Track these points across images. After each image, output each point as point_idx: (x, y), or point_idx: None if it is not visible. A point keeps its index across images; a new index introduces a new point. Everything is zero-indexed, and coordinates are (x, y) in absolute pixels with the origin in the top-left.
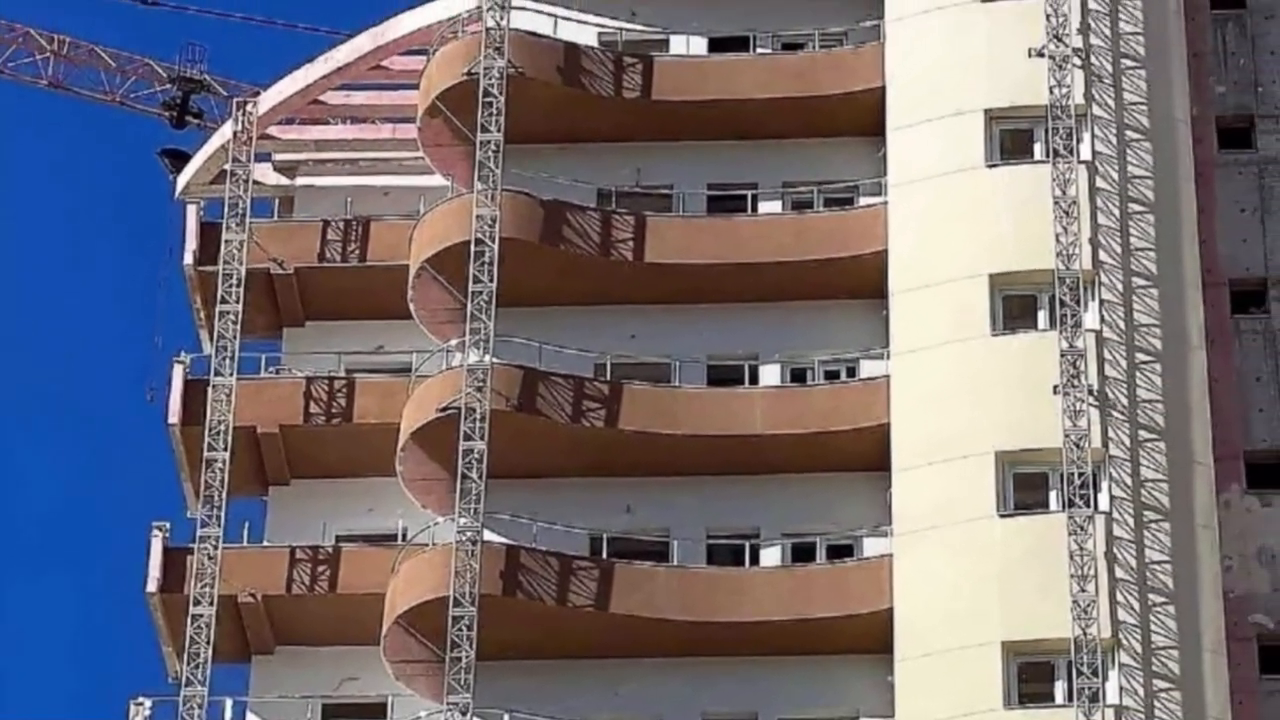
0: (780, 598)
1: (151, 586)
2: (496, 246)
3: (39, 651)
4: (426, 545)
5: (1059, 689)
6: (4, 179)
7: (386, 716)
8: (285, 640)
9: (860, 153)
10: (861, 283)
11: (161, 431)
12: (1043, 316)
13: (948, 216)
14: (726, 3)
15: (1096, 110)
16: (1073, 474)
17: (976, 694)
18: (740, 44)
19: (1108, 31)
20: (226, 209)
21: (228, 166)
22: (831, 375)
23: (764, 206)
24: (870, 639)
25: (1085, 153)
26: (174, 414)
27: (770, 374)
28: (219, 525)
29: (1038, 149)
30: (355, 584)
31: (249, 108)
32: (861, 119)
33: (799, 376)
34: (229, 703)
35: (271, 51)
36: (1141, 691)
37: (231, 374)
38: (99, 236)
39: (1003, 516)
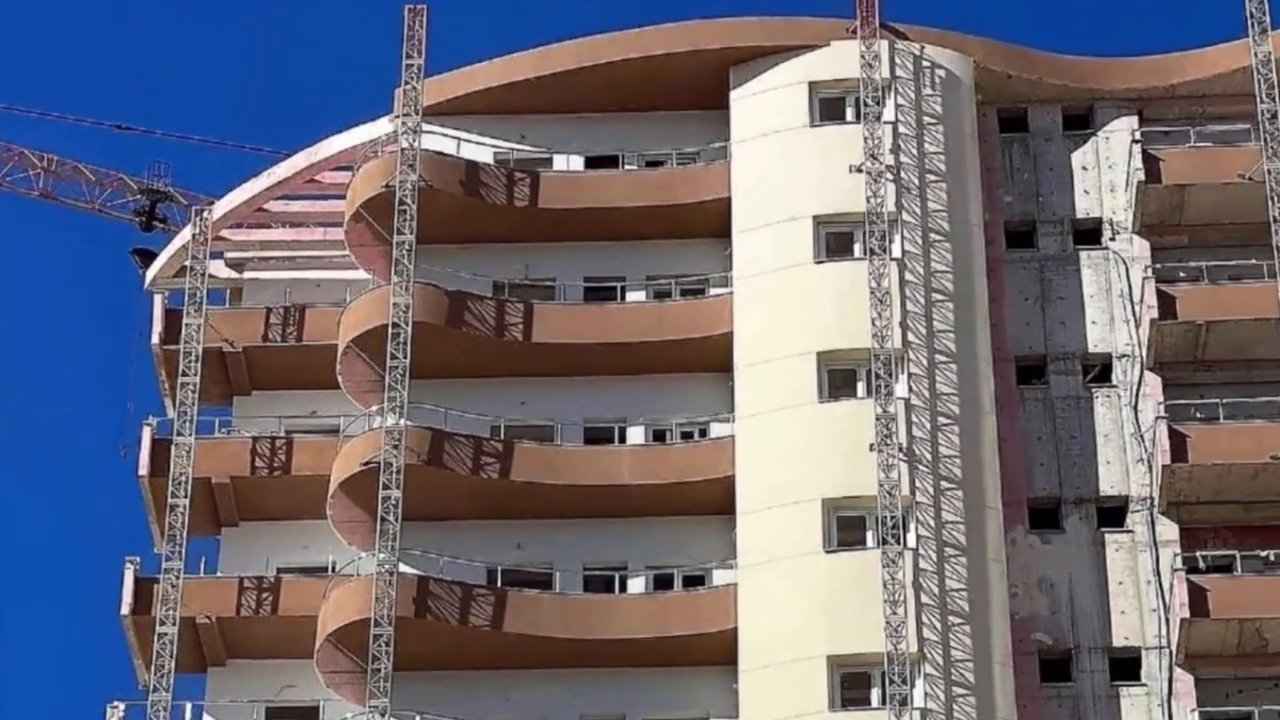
0: (644, 619)
1: (124, 609)
2: (409, 329)
3: (30, 663)
4: (352, 576)
5: (875, 695)
6: (3, 273)
7: (318, 718)
8: (235, 654)
9: (710, 251)
10: (712, 359)
11: (133, 481)
12: (861, 387)
13: (783, 304)
14: (599, 127)
15: (906, 216)
16: (886, 517)
17: (806, 699)
18: (611, 161)
19: (915, 151)
20: (186, 298)
21: (187, 263)
22: (687, 435)
23: (631, 296)
24: (719, 653)
25: (896, 251)
26: (143, 467)
27: (636, 434)
28: (180, 559)
29: (857, 248)
30: (293, 608)
31: (205, 214)
32: (711, 223)
33: (660, 436)
34: (189, 706)
35: (224, 167)
36: (943, 697)
37: (191, 434)
38: (81, 321)
39: (828, 552)
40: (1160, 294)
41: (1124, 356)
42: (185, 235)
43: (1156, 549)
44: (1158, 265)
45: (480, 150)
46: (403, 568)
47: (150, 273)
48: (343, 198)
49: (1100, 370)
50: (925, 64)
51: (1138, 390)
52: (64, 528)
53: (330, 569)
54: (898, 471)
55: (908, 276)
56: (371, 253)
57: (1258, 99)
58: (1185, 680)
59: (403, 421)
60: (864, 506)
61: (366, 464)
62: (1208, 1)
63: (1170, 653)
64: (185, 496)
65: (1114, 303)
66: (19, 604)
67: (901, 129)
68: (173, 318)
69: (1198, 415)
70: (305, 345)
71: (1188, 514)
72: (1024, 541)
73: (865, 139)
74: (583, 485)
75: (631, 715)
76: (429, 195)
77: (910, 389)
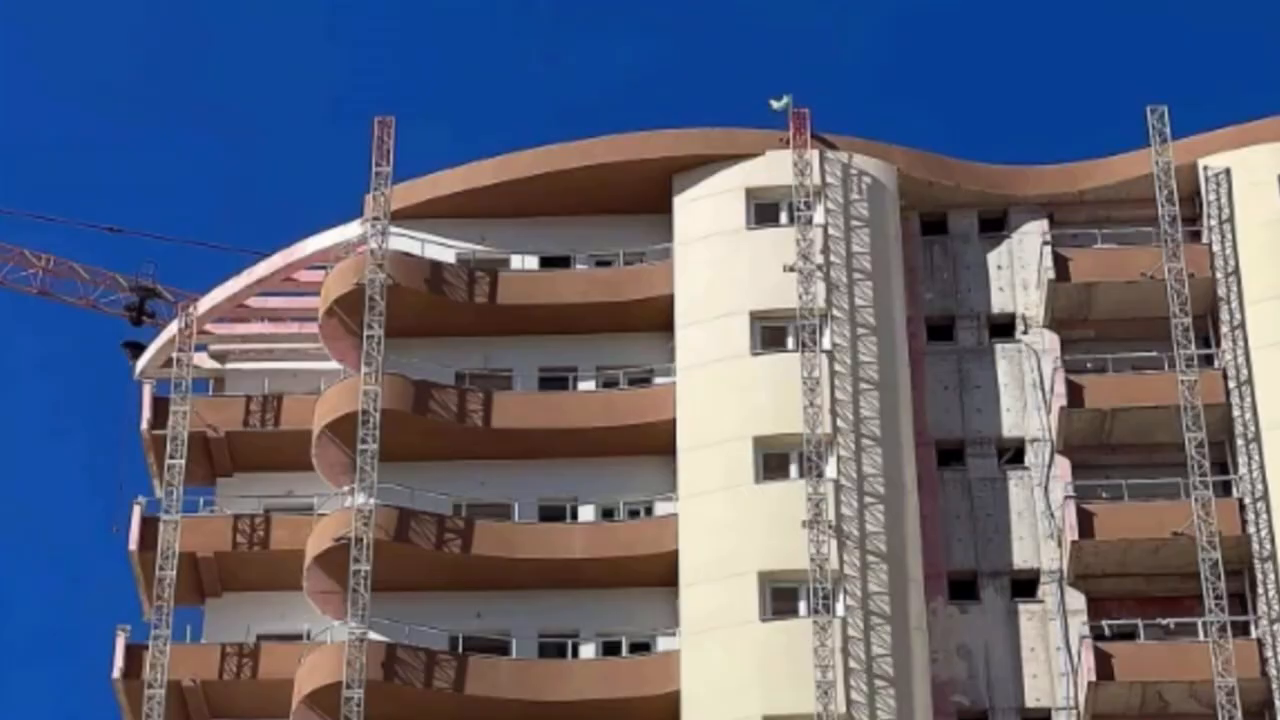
0: (595, 682)
1: (116, 674)
2: (378, 415)
3: None
4: (325, 642)
5: None
6: (2, 365)
7: None
8: (218, 715)
9: (655, 344)
10: (656, 442)
11: (124, 556)
12: (794, 468)
13: (722, 392)
14: (553, 229)
15: (835, 311)
16: (817, 588)
17: None
18: (564, 261)
19: (843, 252)
20: (173, 387)
21: (174, 355)
22: (634, 513)
23: (582, 384)
24: (663, 715)
25: (826, 344)
26: (133, 542)
27: (587, 512)
28: (168, 627)
29: (790, 341)
30: (271, 672)
31: (190, 310)
32: (656, 318)
33: (608, 514)
34: None
35: (208, 266)
36: None
37: (177, 512)
38: (75, 408)
39: (764, 621)
40: (1069, 383)
41: (1036, 441)
42: (172, 329)
43: (1065, 618)
44: (1067, 357)
45: (444, 251)
46: (372, 635)
47: (140, 364)
48: (317, 294)
49: (1014, 453)
50: (853, 172)
51: (1048, 472)
52: (59, 600)
53: (305, 636)
54: (828, 546)
55: (837, 367)
56: (343, 345)
57: (1159, 204)
58: None
59: (372, 500)
60: (797, 579)
61: (338, 540)
62: (1113, 113)
63: (1079, 713)
64: (172, 569)
65: (1027, 391)
66: (19, 671)
67: (831, 231)
68: (160, 405)
69: (1104, 495)
70: (282, 430)
71: (1094, 585)
72: (944, 611)
73: (798, 241)
74: (538, 559)
75: None
76: (396, 292)
77: (839, 470)
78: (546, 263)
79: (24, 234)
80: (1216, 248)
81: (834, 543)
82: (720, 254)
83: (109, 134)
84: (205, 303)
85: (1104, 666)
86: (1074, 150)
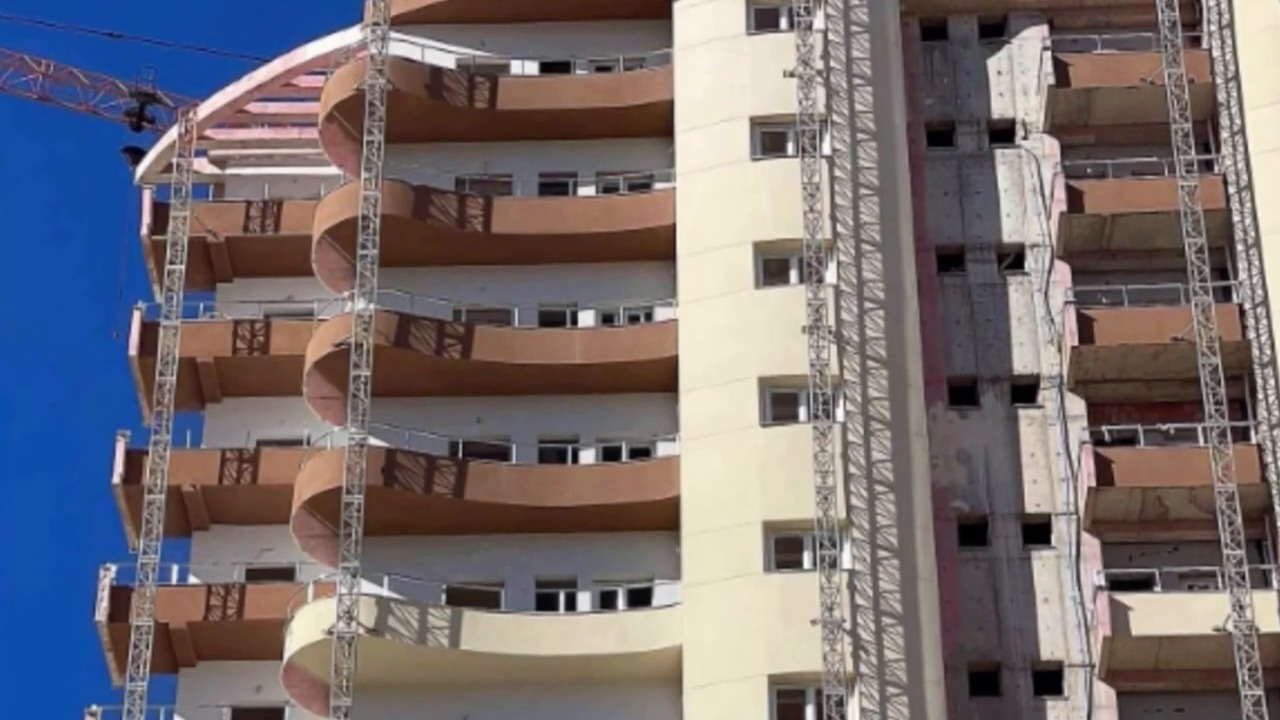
0: (594, 488)
1: (116, 479)
2: (378, 221)
3: (27, 532)
4: (325, 448)
5: (806, 558)
6: (2, 170)
7: (294, 578)
8: (218, 520)
9: (655, 149)
10: (656, 248)
11: (124, 362)
12: (794, 274)
13: (721, 198)
14: (553, 35)
15: (835, 117)
16: (817, 394)
17: (744, 561)
18: (564, 67)
19: (843, 57)
20: (173, 193)
21: (174, 160)
22: (633, 319)
23: (582, 190)
24: (663, 519)
25: (826, 149)
26: (133, 348)
27: (587, 318)
28: (168, 432)
29: (790, 147)
30: (271, 478)
31: (190, 115)
32: (656, 123)
33: (608, 319)
34: (175, 568)
35: (208, 72)
36: (869, 560)
37: (177, 318)
38: (76, 213)
39: (764, 426)
40: (1069, 189)
41: (1036, 246)
42: (172, 135)
43: (1065, 423)
44: (1067, 162)
45: (444, 56)
46: (372, 440)
47: (140, 169)
48: (317, 100)
49: (1014, 259)
50: None
51: (1048, 277)
52: (59, 406)
53: (305, 442)
54: (828, 351)
55: (837, 172)
56: (343, 151)
57: (1158, 9)
58: (1092, 544)
59: (372, 306)
60: (796, 384)
61: (338, 345)
62: None
63: (1078, 519)
64: (172, 375)
65: (1026, 196)
66: (19, 477)
67: (831, 36)
68: (160, 210)
69: (1103, 300)
70: (282, 236)
71: (1094, 391)
72: (944, 416)
73: (798, 46)
74: (537, 364)
75: (582, 576)
76: (396, 98)
77: (839, 276)
78: (546, 68)
79: (24, 39)
80: (1216, 53)
81: (834, 348)
82: (720, 59)
83: None
84: (205, 108)
85: (1104, 472)
86: None
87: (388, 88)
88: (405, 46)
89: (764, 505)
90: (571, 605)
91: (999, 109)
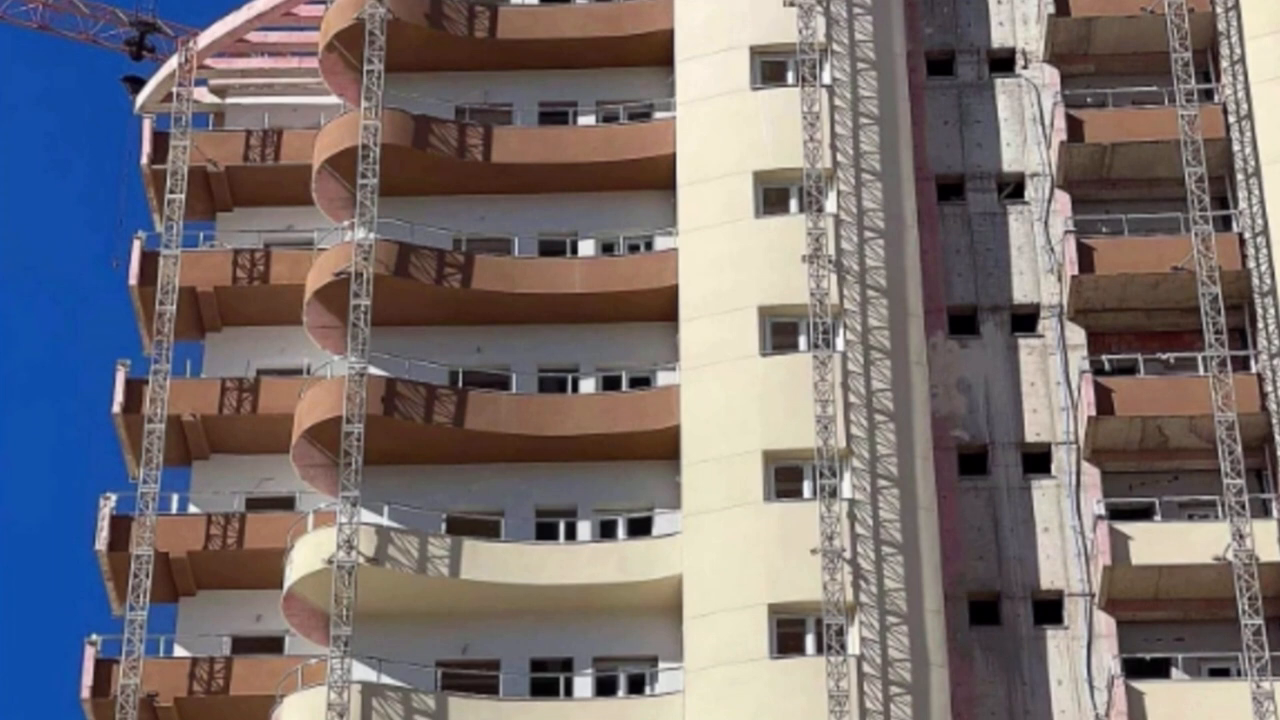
0: (594, 417)
1: (116, 409)
2: (378, 150)
3: (27, 462)
4: (325, 377)
5: (806, 487)
6: (2, 100)
7: (294, 507)
8: (218, 449)
9: (655, 79)
10: (656, 178)
11: (124, 291)
12: (794, 203)
13: (721, 127)
14: None
15: (835, 46)
16: (817, 323)
17: (743, 490)
18: None
19: None
20: (173, 122)
21: (174, 89)
22: (633, 248)
23: (582, 120)
24: (662, 449)
25: (826, 79)
26: (133, 277)
27: (587, 247)
28: (167, 362)
29: (790, 76)
30: (271, 407)
31: (190, 45)
32: (656, 53)
33: (608, 248)
34: (175, 497)
35: (208, 1)
36: (869, 488)
37: (177, 247)
38: (76, 142)
39: (764, 355)
40: (1069, 118)
41: (1036, 175)
42: (172, 64)
43: (1065, 352)
44: (1067, 92)
45: None
46: (372, 370)
47: (140, 99)
48: (318, 29)
49: (1014, 188)
50: None
51: (1048, 207)
52: (59, 335)
53: (305, 371)
54: (828, 281)
55: (837, 102)
56: (343, 80)
57: None
58: (1092, 473)
59: (372, 235)
60: (796, 313)
61: (338, 274)
62: None
63: (1078, 448)
64: (172, 304)
65: (1026, 126)
66: (19, 406)
67: None
68: (160, 140)
69: (1103, 230)
70: (282, 165)
71: (1094, 320)
72: (944, 346)
73: None
74: (537, 294)
75: (582, 506)
76: (396, 27)
77: (839, 205)
78: None
79: None
80: None
81: (834, 277)
82: None
83: None
84: (205, 37)
85: (1104, 401)
86: None
87: (388, 17)
88: None
89: (764, 434)
90: (571, 535)
91: (999, 38)
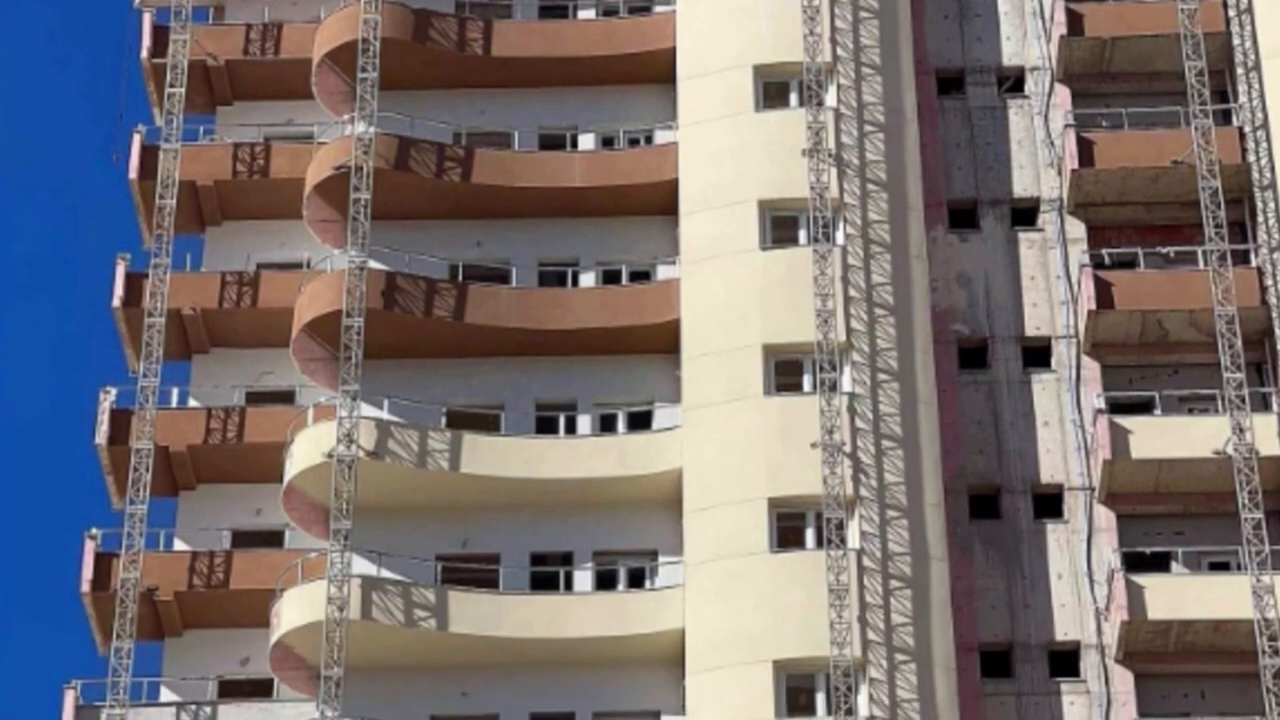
0: (594, 310)
1: (116, 302)
2: (378, 44)
3: (27, 356)
4: (325, 271)
5: (806, 380)
6: None
7: (294, 401)
8: (217, 343)
9: None
10: (656, 71)
11: (124, 184)
12: (794, 97)
13: (721, 21)
14: None
15: None
16: (817, 217)
17: (744, 384)
18: None
19: None
20: (173, 16)
21: None
22: (633, 141)
23: (582, 13)
24: (662, 343)
25: None
26: (133, 171)
27: (587, 140)
28: (167, 255)
29: None
30: (271, 301)
31: None
32: None
33: (609, 142)
34: (175, 391)
35: None
36: (869, 382)
37: (177, 141)
38: (76, 36)
39: (764, 249)
40: (1069, 11)
41: (1036, 69)
42: None
43: (1065, 246)
44: None
45: None
46: (371, 263)
47: None
48: None
49: (1014, 82)
50: None
51: (1048, 101)
52: (59, 229)
53: (305, 265)
54: (828, 175)
55: None
56: None
57: None
58: (1092, 367)
59: (372, 129)
60: (796, 207)
61: (338, 168)
62: None
63: (1078, 342)
64: (172, 198)
65: (1026, 19)
66: (19, 300)
67: None
68: (160, 33)
69: (1103, 124)
70: (282, 59)
71: (1094, 214)
72: (944, 240)
73: None
74: (537, 187)
75: (582, 399)
76: None
77: (839, 99)
78: None
79: None
80: None
81: (834, 171)
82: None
83: None
84: None
85: (1104, 295)
86: None
87: None
88: None
89: (764, 328)
90: (571, 428)
91: None
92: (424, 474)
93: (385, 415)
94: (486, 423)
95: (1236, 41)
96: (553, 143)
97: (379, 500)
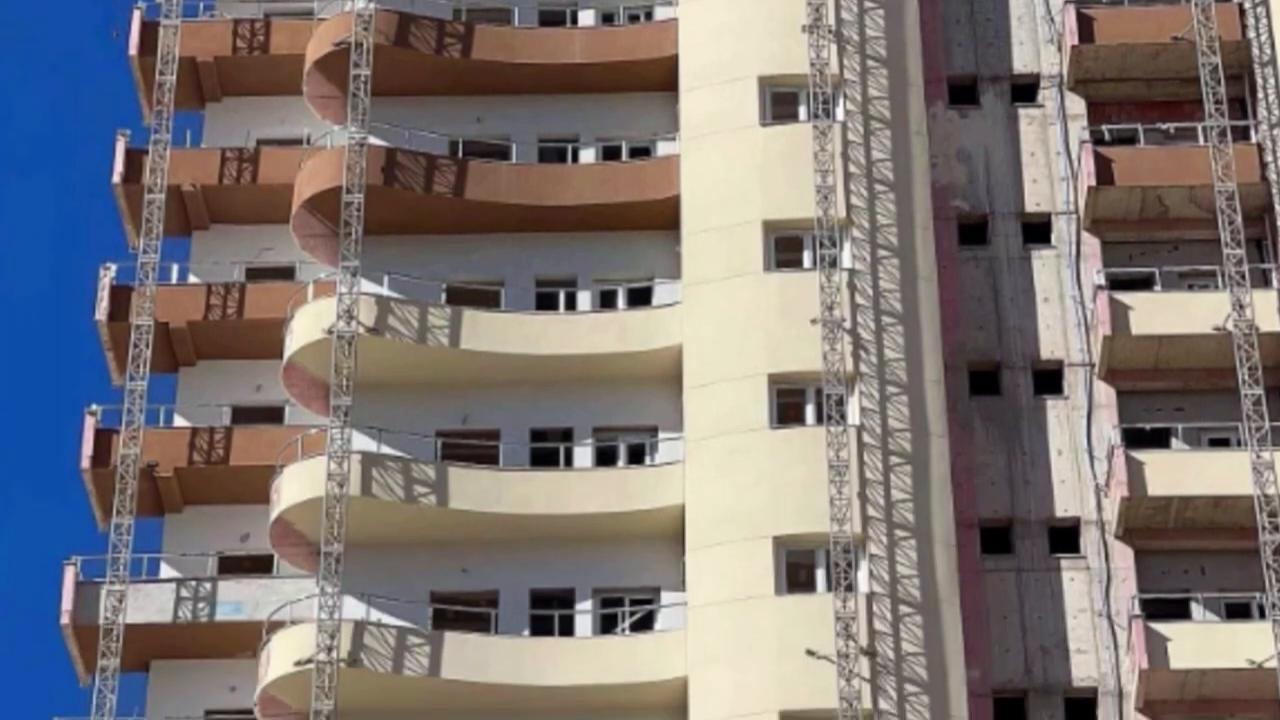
0: (594, 186)
1: (116, 179)
2: None
3: (26, 234)
4: (325, 147)
5: (806, 257)
6: None
7: (294, 277)
8: (217, 219)
9: None
10: None
11: (123, 60)
12: None
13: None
14: None
15: None
16: (817, 93)
17: (744, 260)
18: None
19: None
20: None
21: None
22: (634, 17)
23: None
24: (662, 219)
25: None
26: (133, 47)
27: (587, 16)
28: (168, 132)
29: None
30: (271, 177)
31: None
32: None
33: (609, 18)
34: (175, 267)
35: None
36: (868, 258)
37: (177, 16)
38: None
39: (764, 125)
40: None
41: None
42: None
43: (1065, 122)
44: None
45: None
46: (371, 139)
47: None
48: None
49: None
50: None
51: None
52: (58, 106)
53: (305, 141)
54: (828, 51)
55: None
56: None
57: None
58: (1092, 243)
59: (372, 5)
60: (796, 83)
61: (338, 44)
62: None
63: (1078, 218)
64: (172, 74)
65: None
66: (18, 177)
67: None
68: None
69: (1103, 0)
70: None
71: (1094, 90)
72: (944, 116)
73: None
74: (537, 63)
75: (582, 275)
76: None
77: None
78: None
79: None
80: None
81: (834, 47)
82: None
83: None
84: None
85: (1104, 171)
86: None
87: None
88: None
89: (764, 204)
90: (571, 304)
91: None
92: (424, 350)
93: (385, 291)
94: (486, 299)
95: None
96: (553, 18)
97: (379, 376)
